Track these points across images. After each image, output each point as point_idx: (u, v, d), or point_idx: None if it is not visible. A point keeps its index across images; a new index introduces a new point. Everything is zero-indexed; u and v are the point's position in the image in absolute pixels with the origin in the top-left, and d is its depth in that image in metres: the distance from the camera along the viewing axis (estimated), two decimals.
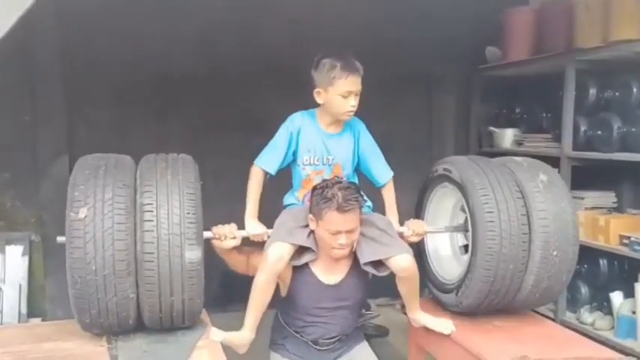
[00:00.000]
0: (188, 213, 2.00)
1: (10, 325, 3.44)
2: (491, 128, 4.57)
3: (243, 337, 2.21)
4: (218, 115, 4.28)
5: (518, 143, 4.35)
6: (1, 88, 3.78)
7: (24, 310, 3.73)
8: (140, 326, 2.11)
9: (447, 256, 2.69)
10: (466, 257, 2.42)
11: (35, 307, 3.85)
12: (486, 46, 4.47)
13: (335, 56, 2.31)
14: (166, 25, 3.99)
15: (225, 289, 4.17)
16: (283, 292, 2.36)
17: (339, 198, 2.09)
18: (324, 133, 2.37)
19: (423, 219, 2.65)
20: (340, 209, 2.09)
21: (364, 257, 2.20)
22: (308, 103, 4.22)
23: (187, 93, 4.21)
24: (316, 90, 2.32)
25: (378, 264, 2.22)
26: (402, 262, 2.18)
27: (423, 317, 2.45)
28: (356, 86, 2.30)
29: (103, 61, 3.99)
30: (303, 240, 2.20)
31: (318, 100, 2.33)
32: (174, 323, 2.10)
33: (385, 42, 4.27)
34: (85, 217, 1.92)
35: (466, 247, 2.49)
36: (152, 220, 1.96)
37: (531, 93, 4.41)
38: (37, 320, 3.72)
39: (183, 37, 4.12)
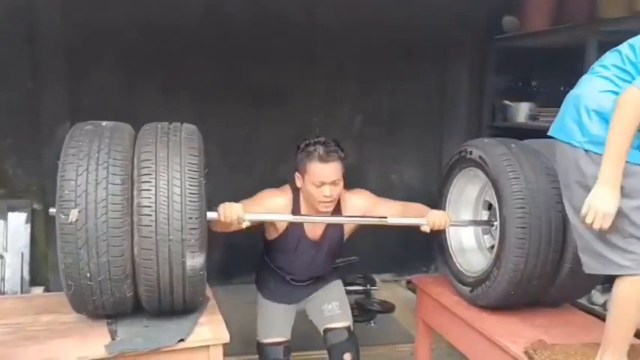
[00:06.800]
0: (190, 218, 1.83)
1: (10, 296, 3.43)
2: (506, 101, 4.44)
3: None
4: (226, 85, 4.18)
5: (534, 118, 4.21)
6: (3, 53, 3.70)
7: (26, 277, 3.71)
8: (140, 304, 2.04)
9: (470, 248, 2.55)
10: (490, 257, 2.29)
11: (38, 275, 3.84)
12: (504, 16, 4.31)
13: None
14: None
15: (229, 262, 4.13)
16: (270, 235, 2.50)
17: (320, 150, 2.28)
18: None
19: (446, 196, 2.54)
20: (322, 159, 2.28)
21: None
22: (320, 76, 4.14)
23: (195, 60, 4.11)
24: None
25: None
26: None
27: None
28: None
29: (108, 25, 3.89)
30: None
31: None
32: (175, 311, 2.03)
33: (397, 10, 4.14)
34: (77, 220, 1.78)
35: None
36: (150, 226, 1.81)
37: (549, 65, 4.26)
38: (39, 289, 3.71)
39: (191, 2, 3.99)
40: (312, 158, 2.29)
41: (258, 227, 2.42)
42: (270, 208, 2.37)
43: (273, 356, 2.53)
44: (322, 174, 2.28)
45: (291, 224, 2.40)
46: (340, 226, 2.48)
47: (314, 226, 2.45)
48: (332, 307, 2.57)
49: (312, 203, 2.36)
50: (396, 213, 2.38)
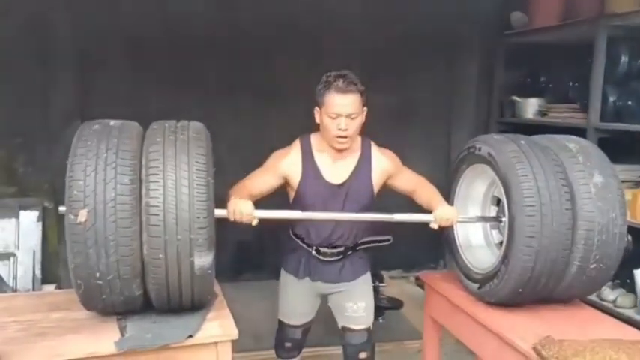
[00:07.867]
0: (198, 217, 1.83)
1: (22, 293, 3.45)
2: (514, 97, 4.42)
3: None
4: (234, 83, 4.21)
5: (543, 113, 4.20)
6: (13, 51, 3.74)
7: (38, 275, 3.75)
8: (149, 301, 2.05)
9: (478, 244, 2.53)
10: (498, 253, 2.27)
11: (50, 272, 3.87)
12: (512, 11, 4.29)
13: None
14: None
15: (238, 259, 4.14)
16: (292, 195, 2.43)
17: (339, 81, 2.25)
18: None
19: (454, 191, 2.53)
20: (339, 90, 2.24)
21: None
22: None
23: (204, 59, 4.15)
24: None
25: None
26: None
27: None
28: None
29: (117, 24, 3.92)
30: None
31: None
32: (184, 308, 2.04)
33: (405, 6, 4.12)
34: (86, 220, 1.79)
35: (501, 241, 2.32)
36: (159, 225, 1.81)
37: (558, 61, 4.24)
38: (51, 286, 3.74)
39: (200, 2, 4.02)
40: (329, 89, 2.26)
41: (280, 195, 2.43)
42: (283, 168, 2.38)
43: (290, 335, 2.56)
44: (339, 104, 2.25)
45: (304, 171, 2.37)
46: (367, 172, 2.41)
47: (333, 169, 2.38)
48: (357, 308, 2.51)
49: (328, 141, 2.33)
50: (410, 186, 2.46)
